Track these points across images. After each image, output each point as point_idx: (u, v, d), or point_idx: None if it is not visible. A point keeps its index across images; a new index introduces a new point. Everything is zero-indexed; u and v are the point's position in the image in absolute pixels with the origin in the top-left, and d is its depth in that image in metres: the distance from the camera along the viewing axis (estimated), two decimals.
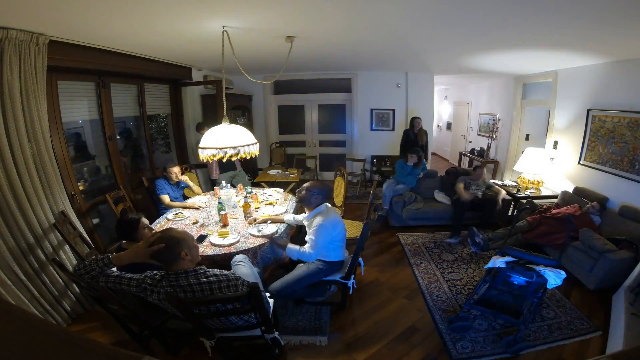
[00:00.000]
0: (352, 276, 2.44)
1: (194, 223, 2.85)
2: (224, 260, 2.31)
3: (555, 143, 4.39)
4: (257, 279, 2.06)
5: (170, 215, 3.03)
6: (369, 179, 6.22)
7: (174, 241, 1.59)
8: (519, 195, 4.15)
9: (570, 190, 3.88)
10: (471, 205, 3.89)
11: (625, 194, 3.25)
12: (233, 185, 4.04)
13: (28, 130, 2.21)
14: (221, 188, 3.45)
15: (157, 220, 2.99)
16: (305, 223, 2.48)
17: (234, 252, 2.31)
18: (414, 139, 5.17)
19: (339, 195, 3.77)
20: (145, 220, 2.23)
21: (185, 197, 3.69)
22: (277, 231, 2.61)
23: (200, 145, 2.38)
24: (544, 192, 4.25)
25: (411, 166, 4.42)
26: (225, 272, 1.67)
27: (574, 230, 2.98)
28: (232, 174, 4.48)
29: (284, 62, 3.04)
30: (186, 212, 3.10)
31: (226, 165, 4.30)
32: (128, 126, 4.07)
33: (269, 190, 3.73)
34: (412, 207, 4.14)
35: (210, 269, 1.67)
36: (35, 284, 2.26)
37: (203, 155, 2.35)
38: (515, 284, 2.22)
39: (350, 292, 2.50)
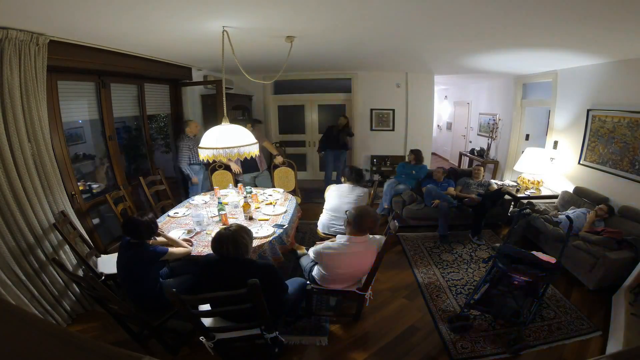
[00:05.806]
0: (370, 287, 2.30)
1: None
2: None
3: (555, 143, 4.39)
4: None
5: (172, 212, 3.06)
6: (369, 179, 6.22)
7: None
8: (519, 196, 4.15)
9: (571, 190, 3.88)
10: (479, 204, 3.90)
11: (625, 194, 3.25)
12: (256, 186, 4.17)
13: (28, 130, 2.21)
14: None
15: (159, 219, 2.97)
16: None
17: None
18: (336, 134, 5.46)
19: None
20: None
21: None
22: (274, 232, 2.61)
23: (200, 145, 2.39)
24: (544, 192, 4.26)
25: (413, 166, 4.47)
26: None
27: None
28: (254, 175, 4.48)
29: (284, 62, 3.04)
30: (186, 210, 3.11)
31: (249, 167, 4.33)
32: (128, 126, 4.07)
33: (269, 190, 3.73)
34: (412, 207, 4.14)
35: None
36: (35, 284, 2.26)
37: (203, 155, 2.35)
38: (516, 283, 2.22)
39: (367, 304, 2.42)
